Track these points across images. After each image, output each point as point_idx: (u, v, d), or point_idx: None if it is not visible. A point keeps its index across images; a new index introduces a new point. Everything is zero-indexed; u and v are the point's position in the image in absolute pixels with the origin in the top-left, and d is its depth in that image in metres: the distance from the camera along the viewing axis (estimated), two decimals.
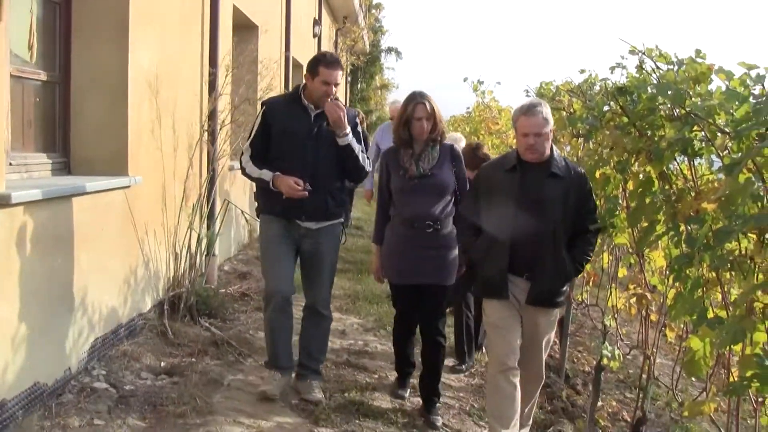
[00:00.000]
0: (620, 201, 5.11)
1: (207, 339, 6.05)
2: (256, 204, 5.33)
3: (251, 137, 5.18)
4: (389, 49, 31.11)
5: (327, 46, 18.72)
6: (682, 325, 4.92)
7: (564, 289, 4.71)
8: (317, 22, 16.51)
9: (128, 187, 5.69)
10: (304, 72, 5.16)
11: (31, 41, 5.24)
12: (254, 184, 5.30)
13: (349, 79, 26.57)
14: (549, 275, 4.54)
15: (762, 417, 3.60)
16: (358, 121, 5.35)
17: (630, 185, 4.76)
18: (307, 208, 5.06)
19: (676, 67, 4.18)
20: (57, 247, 4.75)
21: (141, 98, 5.95)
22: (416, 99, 5.15)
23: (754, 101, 3.24)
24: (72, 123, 5.69)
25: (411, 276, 5.15)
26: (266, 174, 5.02)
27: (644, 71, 4.49)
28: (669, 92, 3.94)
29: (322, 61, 5.07)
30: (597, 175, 5.23)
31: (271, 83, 8.59)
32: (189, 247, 6.66)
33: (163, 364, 5.42)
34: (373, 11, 26.97)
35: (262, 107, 5.23)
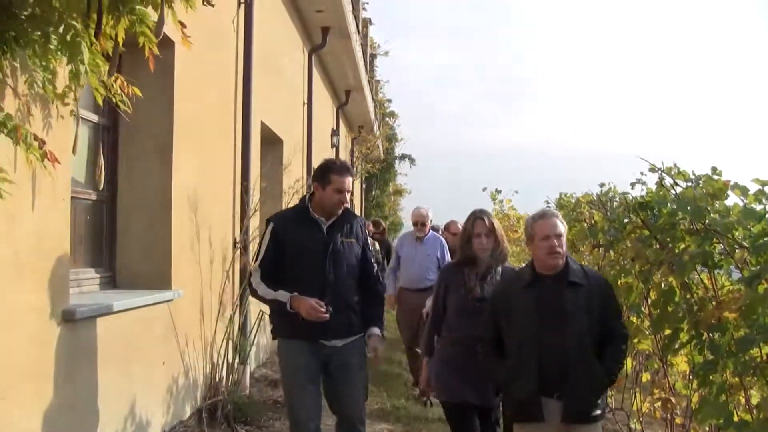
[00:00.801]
0: (643, 309, 5.36)
1: None
2: (272, 326, 5.00)
3: (260, 257, 4.81)
4: (403, 156, 31.75)
5: (344, 155, 19.26)
6: (707, 429, 5.08)
7: (600, 402, 4.40)
8: (335, 132, 17.03)
9: (171, 300, 5.97)
10: (312, 182, 4.91)
11: (85, 164, 5.60)
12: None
13: (364, 186, 27.08)
14: (582, 389, 4.23)
15: None
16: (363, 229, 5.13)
17: (652, 294, 5.01)
18: (331, 327, 4.67)
19: (693, 184, 4.49)
20: (110, 358, 5.00)
21: (182, 216, 6.30)
22: (475, 215, 5.07)
23: None
24: (118, 239, 6.02)
25: (474, 395, 4.87)
26: (282, 295, 4.63)
27: (664, 187, 4.80)
28: (689, 208, 4.23)
29: (333, 169, 4.78)
30: (619, 284, 5.49)
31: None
32: (225, 356, 6.90)
33: None
34: (387, 119, 27.69)
35: (268, 224, 4.90)
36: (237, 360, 7.18)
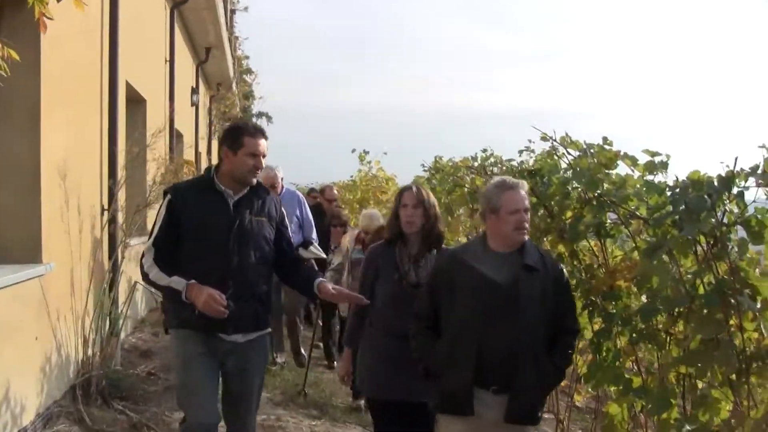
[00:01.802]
0: None
1: (125, 423, 5.99)
2: (164, 318, 4.49)
3: (154, 234, 4.21)
4: (260, 114, 31.28)
5: (202, 114, 18.75)
6: (590, 390, 5.27)
7: (544, 401, 4.10)
8: (195, 91, 16.53)
9: (43, 275, 5.64)
10: (221, 148, 4.30)
11: None
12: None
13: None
14: (530, 387, 3.80)
15: None
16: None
17: None
18: (233, 319, 4.07)
19: (586, 154, 4.58)
20: None
21: (52, 184, 5.93)
22: (405, 186, 4.69)
23: (670, 192, 3.62)
24: None
25: (406, 392, 4.35)
26: (177, 282, 4.01)
27: (555, 156, 4.89)
28: (583, 179, 4.33)
29: (245, 131, 4.21)
30: None
31: (158, 157, 8.68)
32: (99, 329, 6.61)
33: None
34: (245, 77, 27.17)
35: (165, 196, 4.27)
36: (108, 333, 6.90)
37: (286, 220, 4.54)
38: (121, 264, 7.50)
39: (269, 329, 4.51)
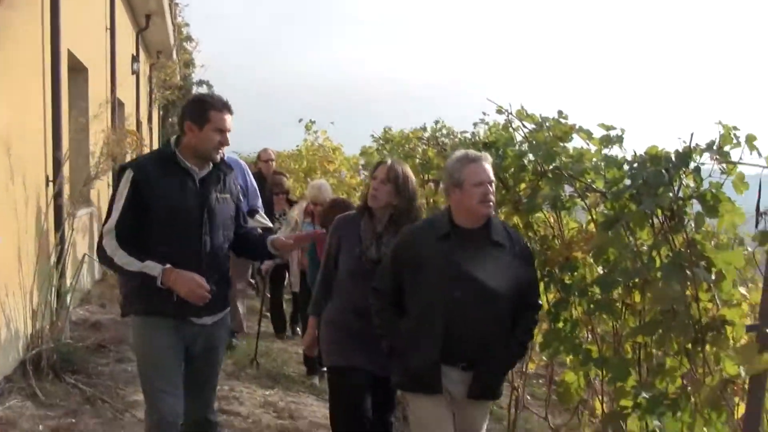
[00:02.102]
0: None
1: (78, 397, 5.94)
2: (124, 303, 4.12)
3: (116, 215, 3.84)
4: (200, 82, 30.85)
5: (143, 83, 18.42)
6: (544, 359, 5.38)
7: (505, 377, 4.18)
8: (135, 59, 16.22)
9: None
10: (183, 121, 3.98)
11: None
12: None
13: (161, 113, 26.14)
14: (496, 364, 3.88)
15: None
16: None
17: None
18: (207, 302, 3.89)
19: (541, 127, 4.63)
20: None
21: None
22: (383, 160, 4.55)
23: (628, 167, 3.70)
24: None
25: (368, 362, 4.27)
26: (152, 267, 3.75)
27: (510, 129, 4.93)
28: (540, 152, 4.39)
29: (211, 104, 3.94)
30: None
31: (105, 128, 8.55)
32: (48, 303, 6.52)
33: (41, 427, 5.28)
34: (185, 45, 26.68)
35: (124, 172, 3.91)
36: (57, 306, 6.81)
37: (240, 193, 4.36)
38: (68, 237, 7.39)
39: (229, 307, 4.32)
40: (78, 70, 9.91)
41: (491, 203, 3.83)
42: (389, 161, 4.44)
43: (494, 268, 3.80)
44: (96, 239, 4.36)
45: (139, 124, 16.41)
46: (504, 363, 3.97)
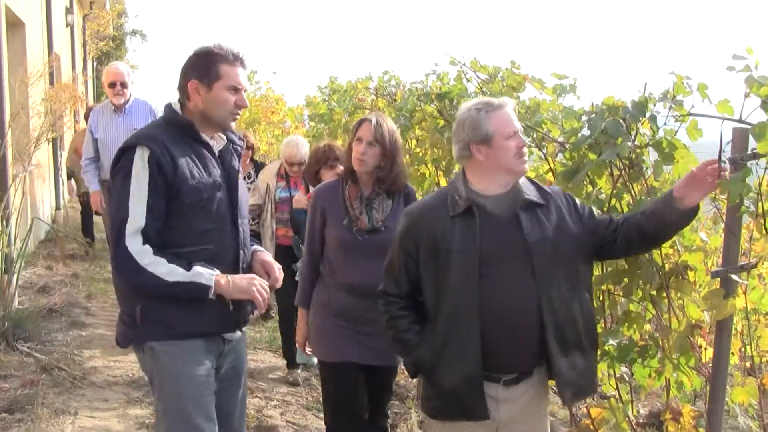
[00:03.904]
0: None
1: (33, 365, 5.82)
2: (134, 326, 3.11)
3: (140, 209, 2.96)
4: (134, 32, 30.19)
5: (78, 35, 17.94)
6: None
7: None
8: (69, 11, 15.76)
9: None
10: (185, 81, 3.16)
11: None
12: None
13: (95, 64, 25.53)
14: (576, 359, 3.05)
15: None
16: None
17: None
18: (243, 311, 3.26)
19: (495, 77, 4.63)
20: None
21: None
22: (365, 117, 4.01)
23: (586, 117, 3.71)
24: None
25: (355, 354, 3.88)
26: (204, 275, 2.98)
27: (463, 81, 4.92)
28: None
29: (222, 57, 3.12)
30: (412, 172, 5.65)
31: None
32: None
33: None
34: None
35: (134, 151, 3.00)
36: (2, 271, 6.64)
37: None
38: (13, 200, 7.20)
39: None
40: (15, 24, 9.59)
41: (525, 159, 3.13)
42: (374, 119, 3.90)
43: (539, 235, 3.01)
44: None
45: (74, 78, 16.01)
46: (586, 351, 3.11)
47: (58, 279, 8.62)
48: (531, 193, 3.09)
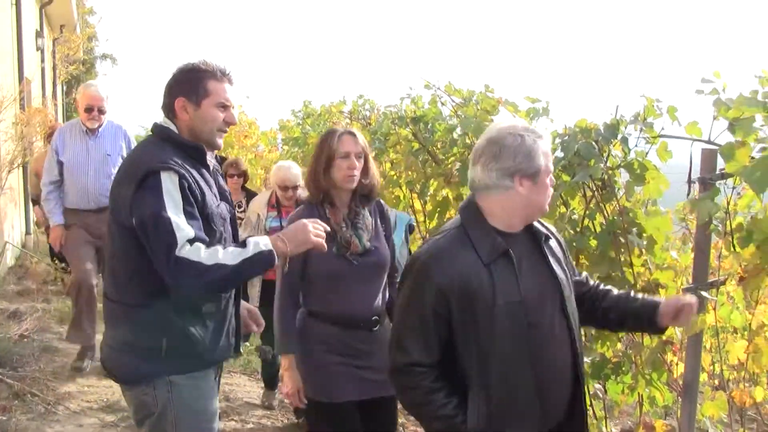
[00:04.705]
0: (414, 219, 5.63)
1: (6, 392, 5.76)
2: (166, 351, 2.93)
3: (183, 221, 2.76)
4: (104, 56, 30.12)
5: (48, 58, 17.86)
6: None
7: None
8: (39, 34, 15.68)
9: None
10: (172, 99, 3.01)
11: None
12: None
13: (65, 88, 25.43)
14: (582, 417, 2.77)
15: None
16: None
17: (429, 205, 5.26)
18: (242, 331, 3.26)
19: (469, 101, 4.72)
20: None
21: None
22: (341, 130, 3.63)
23: (560, 139, 3.80)
24: None
25: (355, 389, 3.54)
26: (258, 244, 2.82)
27: (437, 104, 5.01)
28: (472, 125, 4.47)
29: (208, 74, 3.00)
30: (386, 193, 5.72)
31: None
32: None
33: None
34: (87, 18, 25.95)
35: (159, 176, 2.81)
36: None
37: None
38: None
39: None
40: None
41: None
42: (352, 130, 3.64)
43: (560, 270, 2.73)
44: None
45: (44, 101, 15.94)
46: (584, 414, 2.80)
47: (28, 305, 8.52)
48: (538, 224, 2.76)
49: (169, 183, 2.81)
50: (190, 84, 2.98)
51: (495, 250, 2.57)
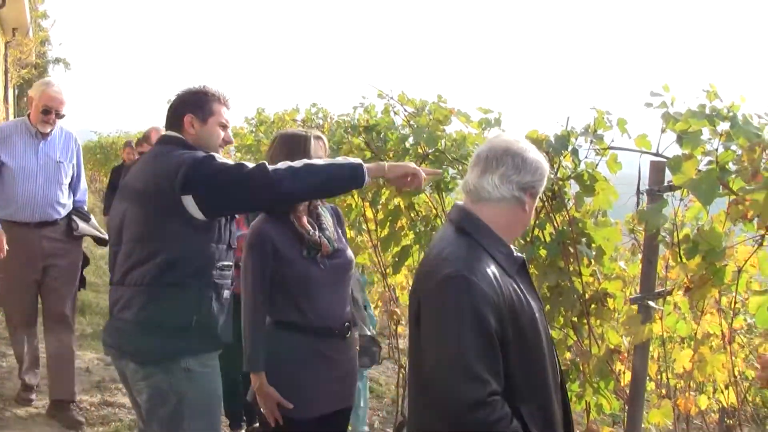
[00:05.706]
0: (363, 226, 5.64)
1: None
2: (196, 330, 3.24)
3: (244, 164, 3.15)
4: (57, 60, 29.77)
5: None
6: None
7: None
8: None
9: None
10: (180, 116, 3.37)
11: None
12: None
13: (16, 92, 25.06)
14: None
15: None
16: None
17: (380, 214, 5.27)
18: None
19: (422, 111, 4.74)
20: None
21: None
22: (310, 133, 3.60)
23: None
24: None
25: (336, 397, 3.52)
26: (347, 158, 3.20)
27: (390, 113, 5.02)
28: (424, 135, 4.49)
29: (214, 97, 3.43)
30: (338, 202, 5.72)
31: None
32: None
33: None
34: (40, 21, 25.61)
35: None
36: None
37: None
38: None
39: None
40: None
41: None
42: (319, 134, 3.64)
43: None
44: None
45: None
46: None
47: None
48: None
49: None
50: (199, 103, 3.39)
51: (515, 262, 2.53)
